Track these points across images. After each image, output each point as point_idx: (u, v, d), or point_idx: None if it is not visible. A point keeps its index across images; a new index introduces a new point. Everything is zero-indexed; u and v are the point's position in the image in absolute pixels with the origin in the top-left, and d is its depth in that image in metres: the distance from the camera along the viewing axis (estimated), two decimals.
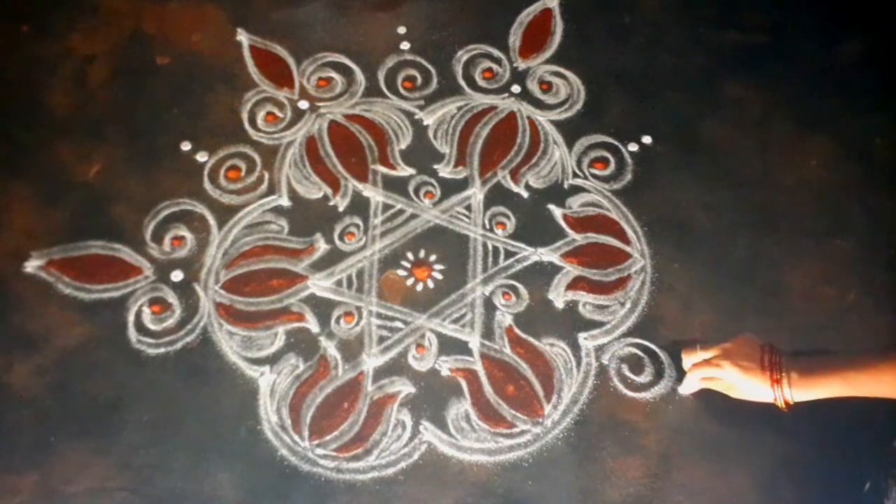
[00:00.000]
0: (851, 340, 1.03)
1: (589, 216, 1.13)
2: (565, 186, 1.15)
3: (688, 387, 0.98)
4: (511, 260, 1.09)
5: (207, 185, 1.12)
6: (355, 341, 1.02)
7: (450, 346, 1.02)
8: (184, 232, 1.08)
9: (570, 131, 1.20)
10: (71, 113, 1.17)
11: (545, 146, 1.18)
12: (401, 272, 1.07)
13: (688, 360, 0.98)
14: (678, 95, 1.24)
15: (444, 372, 1.00)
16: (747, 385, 0.93)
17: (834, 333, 1.04)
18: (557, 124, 1.21)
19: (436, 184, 1.14)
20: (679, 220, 1.13)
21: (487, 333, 1.03)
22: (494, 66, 1.26)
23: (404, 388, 0.99)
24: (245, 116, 1.18)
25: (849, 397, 0.86)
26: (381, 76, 1.23)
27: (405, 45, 1.26)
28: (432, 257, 1.08)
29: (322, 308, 1.04)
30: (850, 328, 1.05)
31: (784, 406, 0.91)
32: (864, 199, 1.16)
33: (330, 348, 1.01)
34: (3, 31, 1.23)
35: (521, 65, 1.26)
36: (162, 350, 1.00)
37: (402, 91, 1.22)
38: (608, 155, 1.18)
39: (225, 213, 1.10)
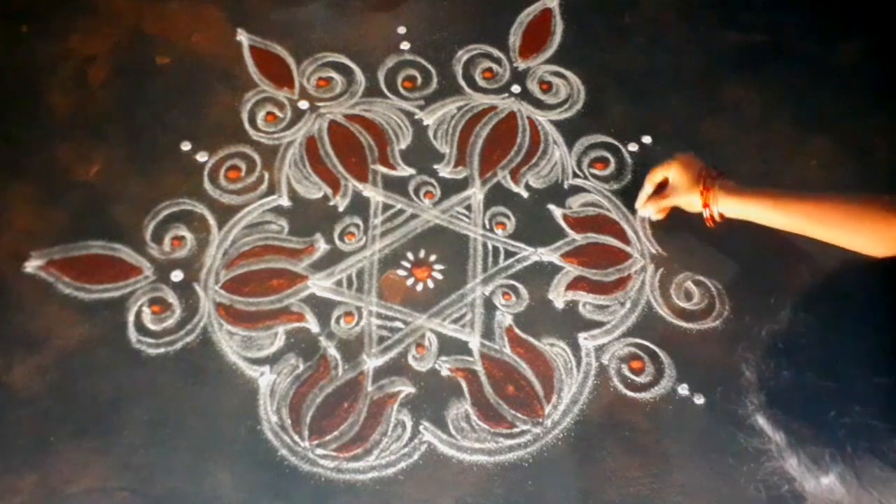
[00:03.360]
0: None
1: (589, 216, 1.13)
2: (565, 186, 1.15)
3: (646, 215, 1.12)
4: (511, 260, 1.09)
5: (207, 185, 1.12)
6: (355, 341, 1.02)
7: (450, 346, 1.02)
8: (184, 232, 1.08)
9: (570, 131, 1.20)
10: (71, 113, 1.17)
11: (545, 146, 1.18)
12: (401, 272, 1.07)
13: (641, 200, 1.10)
14: (678, 95, 1.24)
15: (444, 372, 1.00)
16: (686, 198, 1.03)
17: None
18: (557, 124, 1.21)
19: (436, 184, 1.14)
20: (679, 219, 1.13)
21: (487, 333, 1.03)
22: (494, 66, 1.26)
23: (404, 388, 0.99)
24: (245, 116, 1.18)
25: (777, 231, 0.92)
26: (381, 76, 1.23)
27: (405, 45, 1.26)
28: (432, 257, 1.08)
29: (322, 308, 1.04)
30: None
31: (711, 219, 0.99)
32: None
33: (330, 348, 1.01)
34: (3, 31, 1.23)
35: (521, 65, 1.26)
36: (162, 350, 1.00)
37: (402, 91, 1.22)
38: (608, 155, 1.18)
39: (225, 213, 1.10)
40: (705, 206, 1.00)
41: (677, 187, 1.04)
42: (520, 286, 1.07)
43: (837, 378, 0.49)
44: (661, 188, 1.09)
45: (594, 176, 1.16)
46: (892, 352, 0.48)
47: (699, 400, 1.00)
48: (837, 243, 0.89)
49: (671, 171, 1.05)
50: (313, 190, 1.13)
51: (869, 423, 0.47)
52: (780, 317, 0.58)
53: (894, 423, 0.46)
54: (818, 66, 1.28)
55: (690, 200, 1.03)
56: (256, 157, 1.15)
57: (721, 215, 1.00)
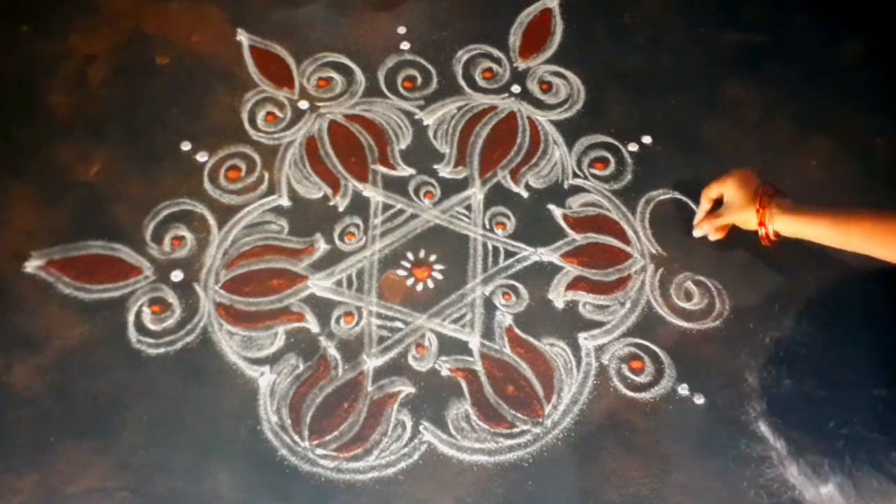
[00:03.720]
0: None
1: (589, 216, 1.13)
2: (565, 186, 1.15)
3: (702, 234, 1.08)
4: (511, 260, 1.09)
5: (207, 185, 1.12)
6: (355, 341, 1.02)
7: (450, 346, 1.02)
8: (184, 232, 1.08)
9: (570, 131, 1.20)
10: (71, 113, 1.17)
11: (545, 146, 1.18)
12: (401, 272, 1.07)
13: (698, 218, 1.08)
14: (678, 95, 1.24)
15: (444, 372, 1.00)
16: (741, 215, 1.00)
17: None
18: (557, 124, 1.21)
19: (436, 184, 1.14)
20: (680, 219, 1.13)
21: (487, 333, 1.03)
22: (494, 66, 1.26)
23: (404, 388, 0.99)
24: (245, 116, 1.18)
25: (835, 249, 0.90)
26: (381, 76, 1.23)
27: (405, 45, 1.26)
28: (432, 257, 1.08)
29: (322, 308, 1.04)
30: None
31: (767, 237, 0.95)
32: (864, 199, 1.15)
33: (330, 348, 1.01)
34: (3, 31, 1.23)
35: (521, 65, 1.26)
36: (162, 350, 1.00)
37: (402, 91, 1.22)
38: (608, 155, 1.18)
39: (225, 213, 1.10)
40: (761, 224, 0.97)
41: (733, 204, 1.01)
42: (520, 286, 1.07)
43: (838, 388, 0.50)
44: (717, 205, 1.06)
45: (594, 176, 1.16)
46: (891, 364, 0.49)
47: (699, 400, 1.00)
48: None
49: (726, 188, 1.02)
50: (313, 190, 1.13)
51: (868, 434, 0.47)
52: (784, 324, 0.58)
53: (893, 435, 0.46)
54: (818, 66, 1.28)
55: (746, 218, 0.99)
56: (256, 157, 1.15)
57: (777, 234, 0.97)
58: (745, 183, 1.01)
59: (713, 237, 1.08)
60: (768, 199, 0.97)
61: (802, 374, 0.53)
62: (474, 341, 1.03)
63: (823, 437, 0.49)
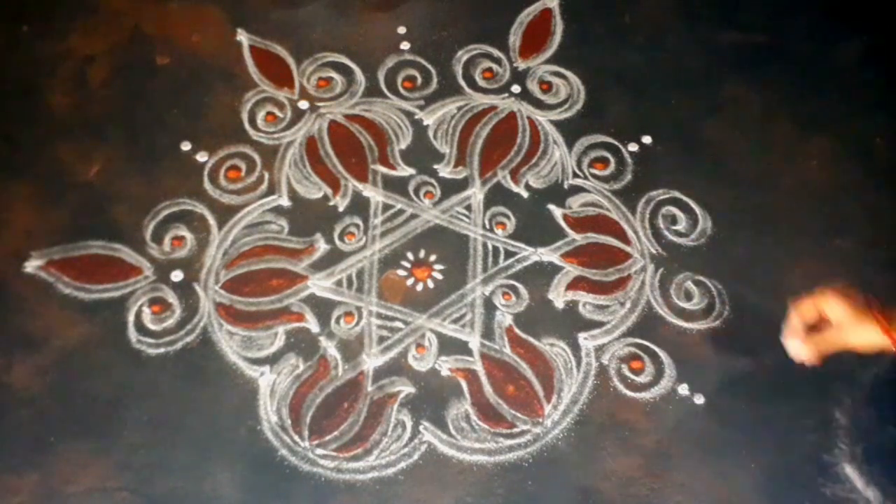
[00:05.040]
0: None
1: (589, 216, 1.13)
2: (565, 186, 1.15)
3: (801, 357, 0.87)
4: (511, 260, 1.09)
5: (207, 185, 1.12)
6: (355, 341, 1.02)
7: (450, 346, 1.02)
8: (184, 232, 1.08)
9: (570, 131, 1.20)
10: (71, 113, 1.17)
11: (545, 146, 1.18)
12: (401, 272, 1.07)
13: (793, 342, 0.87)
14: (678, 95, 1.24)
15: (444, 372, 1.00)
16: (858, 334, 0.82)
17: None
18: (557, 124, 1.21)
19: (436, 184, 1.14)
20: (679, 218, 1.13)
21: (487, 333, 1.03)
22: (494, 66, 1.26)
23: (404, 388, 0.99)
24: (245, 116, 1.18)
25: None
26: (381, 76, 1.23)
27: (405, 45, 1.26)
28: (432, 257, 1.08)
29: (322, 308, 1.04)
30: None
31: None
32: (864, 199, 1.16)
33: (330, 348, 1.01)
34: (3, 31, 1.23)
35: (521, 65, 1.26)
36: (162, 350, 1.00)
37: (402, 91, 1.22)
38: (608, 155, 1.18)
39: (225, 213, 1.10)
40: (889, 335, 0.80)
41: (844, 325, 0.84)
42: (520, 286, 1.07)
43: None
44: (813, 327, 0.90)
45: (594, 176, 1.16)
46: None
47: (699, 400, 1.00)
48: None
49: (829, 307, 0.86)
50: (313, 190, 1.13)
51: None
52: (884, 360, 0.53)
53: None
54: (818, 66, 1.28)
55: (865, 336, 0.83)
56: (256, 157, 1.15)
57: None
58: (849, 297, 0.84)
59: (811, 363, 0.88)
60: (887, 309, 0.81)
61: None
62: (474, 341, 1.03)
63: None
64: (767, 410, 0.99)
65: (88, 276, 1.04)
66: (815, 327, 0.87)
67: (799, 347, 0.87)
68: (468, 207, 1.13)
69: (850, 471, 0.54)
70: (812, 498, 0.85)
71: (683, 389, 1.00)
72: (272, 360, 1.00)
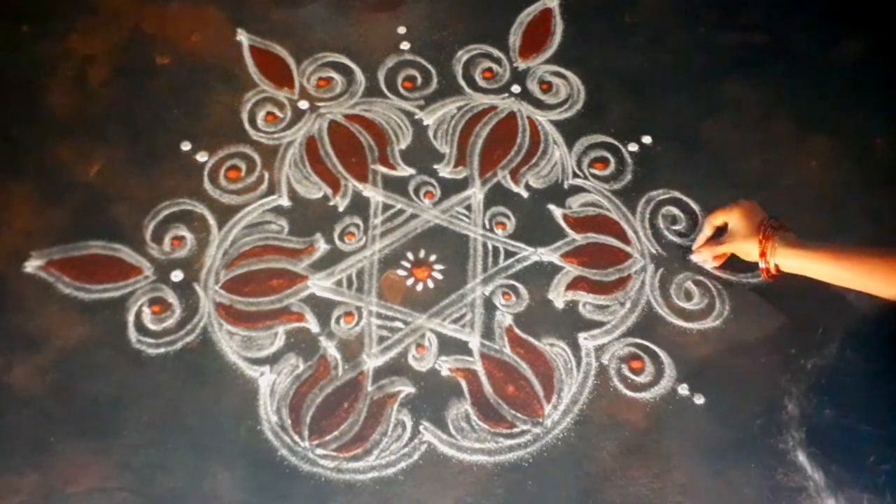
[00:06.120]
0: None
1: (589, 216, 1.13)
2: (565, 186, 1.15)
3: (699, 261, 1.09)
4: (511, 260, 1.09)
5: (207, 185, 1.12)
6: (355, 341, 1.02)
7: (450, 346, 1.02)
8: (184, 232, 1.08)
9: (570, 131, 1.20)
10: (71, 113, 1.17)
11: (545, 146, 1.18)
12: (401, 272, 1.07)
13: (698, 243, 1.08)
14: (678, 95, 1.24)
15: (444, 372, 1.00)
16: (743, 245, 1.00)
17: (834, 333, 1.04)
18: (557, 124, 1.21)
19: (436, 184, 1.14)
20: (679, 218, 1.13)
21: (487, 333, 1.03)
22: (494, 66, 1.26)
23: (404, 388, 0.99)
24: (245, 116, 1.18)
25: (833, 287, 0.89)
26: (381, 76, 1.23)
27: (405, 45, 1.26)
28: (432, 257, 1.08)
29: (322, 308, 1.04)
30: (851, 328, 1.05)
31: (767, 271, 0.95)
32: (864, 199, 1.16)
33: (330, 348, 1.01)
34: (3, 31, 1.23)
35: (521, 65, 1.26)
36: (162, 350, 1.00)
37: (402, 91, 1.22)
38: (608, 155, 1.18)
39: (225, 213, 1.10)
40: (762, 256, 0.96)
41: (735, 234, 1.01)
42: (520, 286, 1.07)
43: (880, 423, 0.49)
44: (719, 233, 1.05)
45: (594, 176, 1.16)
46: None
47: (699, 400, 1.00)
48: None
49: (731, 217, 1.02)
50: (313, 190, 1.13)
51: None
52: (827, 351, 0.57)
53: None
54: (818, 66, 1.28)
55: (748, 249, 0.99)
56: (256, 157, 1.15)
57: (777, 268, 0.96)
58: (750, 214, 1.00)
59: (710, 265, 1.08)
60: (772, 232, 0.96)
61: (844, 404, 0.52)
62: (474, 341, 1.03)
63: (864, 472, 0.48)
64: (768, 409, 0.99)
65: (88, 276, 1.04)
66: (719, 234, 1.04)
67: (698, 253, 1.08)
68: (468, 207, 1.13)
69: (801, 458, 0.56)
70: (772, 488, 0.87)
71: (683, 389, 1.00)
72: (272, 360, 1.00)
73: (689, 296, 1.07)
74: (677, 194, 1.15)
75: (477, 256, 1.09)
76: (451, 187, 1.14)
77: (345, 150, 1.17)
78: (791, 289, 1.07)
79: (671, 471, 0.95)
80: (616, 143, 1.19)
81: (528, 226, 1.12)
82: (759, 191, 1.15)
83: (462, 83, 1.23)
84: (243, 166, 1.14)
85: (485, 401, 0.99)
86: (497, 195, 1.14)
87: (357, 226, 1.10)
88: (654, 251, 1.11)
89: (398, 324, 1.03)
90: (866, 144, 1.21)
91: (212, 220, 1.09)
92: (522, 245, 1.10)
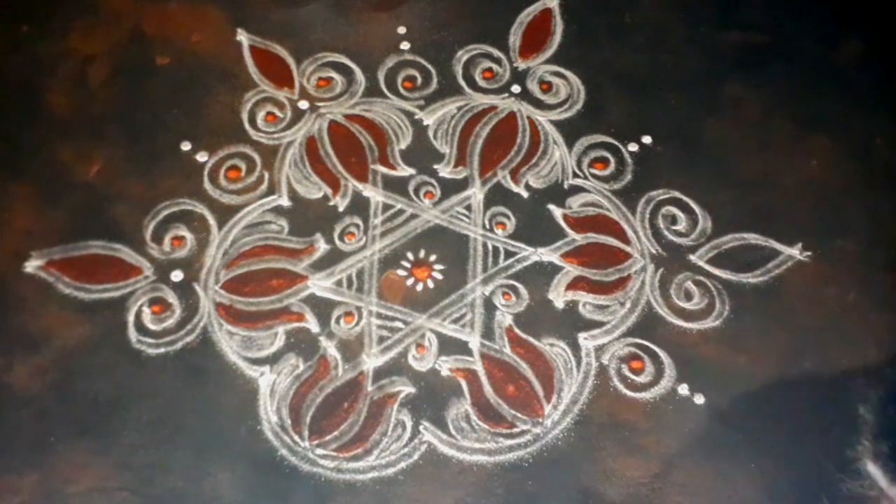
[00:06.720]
0: (851, 340, 1.03)
1: (589, 216, 1.13)
2: (565, 186, 1.15)
3: None
4: (511, 260, 1.09)
5: (207, 185, 1.12)
6: (355, 341, 1.02)
7: (450, 346, 1.02)
8: (184, 232, 1.08)
9: (570, 131, 1.20)
10: (71, 113, 1.17)
11: (545, 146, 1.18)
12: (401, 272, 1.07)
13: None
14: (678, 95, 1.24)
15: (444, 372, 1.00)
16: None
17: (834, 333, 1.04)
18: (557, 124, 1.21)
19: (436, 184, 1.14)
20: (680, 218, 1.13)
21: (487, 333, 1.03)
22: (494, 66, 1.26)
23: (404, 388, 0.99)
24: (245, 116, 1.18)
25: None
26: (381, 76, 1.23)
27: (405, 45, 1.26)
28: (432, 257, 1.08)
29: (322, 308, 1.04)
30: (850, 328, 1.05)
31: None
32: (864, 199, 1.16)
33: (330, 348, 1.01)
34: (3, 31, 1.23)
35: (521, 65, 1.26)
36: (162, 350, 1.00)
37: (402, 91, 1.22)
38: (608, 155, 1.18)
39: (225, 213, 1.10)
40: None
41: None
42: (520, 286, 1.07)
43: None
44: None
45: (594, 176, 1.16)
46: None
47: (699, 400, 1.00)
48: None
49: None
50: (313, 190, 1.13)
51: None
52: None
53: None
54: (818, 66, 1.28)
55: None
56: (256, 157, 1.15)
57: None
58: None
59: None
60: None
61: None
62: (474, 341, 1.03)
63: None
64: (768, 409, 0.99)
65: (88, 276, 1.04)
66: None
67: None
68: (468, 207, 1.13)
69: (872, 468, 0.53)
70: (829, 494, 0.86)
71: (683, 389, 1.00)
72: (272, 360, 1.00)
73: (689, 296, 1.07)
74: (677, 194, 1.15)
75: (477, 256, 1.09)
76: (451, 187, 1.14)
77: (345, 150, 1.16)
78: (791, 290, 1.08)
79: (671, 471, 0.95)
80: (616, 143, 1.19)
81: (528, 226, 1.12)
82: (758, 191, 1.16)
83: (462, 83, 1.23)
84: (243, 166, 1.14)
85: (485, 401, 0.99)
86: (497, 195, 1.14)
87: (357, 226, 1.10)
88: (654, 251, 1.11)
89: (398, 324, 1.03)
90: (866, 144, 1.21)
91: (212, 220, 1.09)
92: (522, 245, 1.10)
